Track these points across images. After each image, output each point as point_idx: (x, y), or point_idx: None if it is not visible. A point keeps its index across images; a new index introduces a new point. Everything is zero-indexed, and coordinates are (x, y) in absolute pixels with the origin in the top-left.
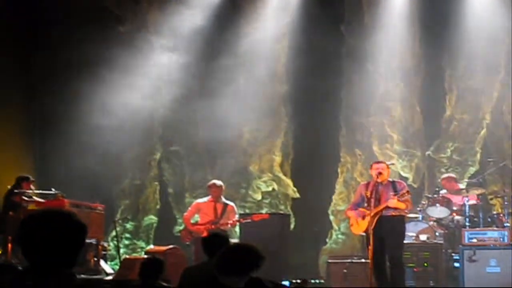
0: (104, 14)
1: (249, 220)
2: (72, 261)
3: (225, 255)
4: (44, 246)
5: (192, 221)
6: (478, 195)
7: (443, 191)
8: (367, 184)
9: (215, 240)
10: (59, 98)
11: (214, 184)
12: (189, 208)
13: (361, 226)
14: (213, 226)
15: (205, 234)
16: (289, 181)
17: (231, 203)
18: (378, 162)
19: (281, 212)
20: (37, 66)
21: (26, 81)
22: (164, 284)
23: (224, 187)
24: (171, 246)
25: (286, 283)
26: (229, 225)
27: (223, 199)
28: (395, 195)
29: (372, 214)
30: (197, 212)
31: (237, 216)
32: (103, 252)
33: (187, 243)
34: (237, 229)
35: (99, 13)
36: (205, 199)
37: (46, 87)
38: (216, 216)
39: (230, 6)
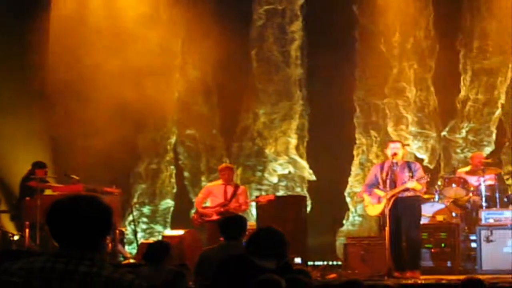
0: None
1: (260, 202)
2: (100, 243)
3: (257, 240)
4: (74, 230)
5: (204, 205)
6: (494, 175)
7: (463, 169)
8: (382, 165)
9: (232, 223)
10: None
11: (226, 166)
12: (200, 192)
13: (376, 208)
14: (222, 209)
15: (214, 217)
16: (305, 164)
17: (242, 186)
18: (394, 142)
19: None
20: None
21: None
22: (172, 267)
23: (235, 169)
24: (187, 230)
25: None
26: (240, 208)
27: (234, 182)
28: (411, 176)
29: (388, 196)
30: (208, 196)
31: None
32: (121, 237)
33: (197, 227)
34: (253, 211)
35: None
36: (215, 182)
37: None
38: (226, 198)
39: None
